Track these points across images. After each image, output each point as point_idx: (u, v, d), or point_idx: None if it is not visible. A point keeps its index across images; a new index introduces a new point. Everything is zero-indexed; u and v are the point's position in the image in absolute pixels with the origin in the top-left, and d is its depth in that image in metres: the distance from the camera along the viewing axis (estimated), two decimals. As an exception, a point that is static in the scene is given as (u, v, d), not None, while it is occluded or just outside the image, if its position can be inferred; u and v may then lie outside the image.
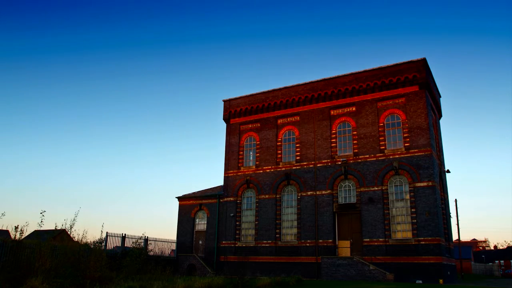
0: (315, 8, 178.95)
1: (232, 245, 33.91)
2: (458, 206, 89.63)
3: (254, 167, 35.03)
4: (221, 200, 35.83)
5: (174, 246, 37.07)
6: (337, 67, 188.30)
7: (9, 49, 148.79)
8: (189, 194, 38.66)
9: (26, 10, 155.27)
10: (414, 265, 26.30)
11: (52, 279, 15.69)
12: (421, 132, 28.54)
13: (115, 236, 28.95)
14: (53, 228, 20.05)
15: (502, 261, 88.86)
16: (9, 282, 15.18)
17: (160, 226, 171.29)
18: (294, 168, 32.91)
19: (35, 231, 31.68)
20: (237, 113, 37.17)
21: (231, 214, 34.65)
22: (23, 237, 18.42)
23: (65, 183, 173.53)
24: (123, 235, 29.62)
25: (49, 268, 16.49)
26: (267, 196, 33.51)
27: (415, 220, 27.16)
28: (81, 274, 17.13)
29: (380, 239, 27.90)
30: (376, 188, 29.04)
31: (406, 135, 29.17)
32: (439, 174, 30.36)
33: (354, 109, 31.80)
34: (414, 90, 29.57)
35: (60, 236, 24.07)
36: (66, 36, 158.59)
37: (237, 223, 34.37)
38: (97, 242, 21.84)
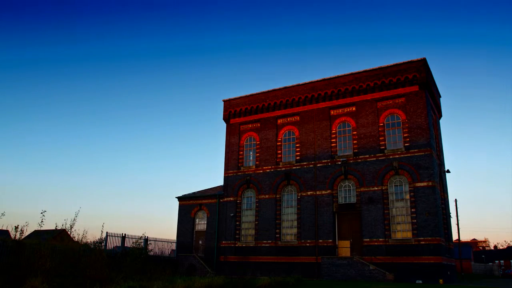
0: (315, 8, 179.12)
1: (232, 245, 33.91)
2: (458, 206, 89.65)
3: (254, 167, 35.03)
4: (221, 200, 35.83)
5: (174, 246, 37.08)
6: (337, 67, 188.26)
7: (10, 56, 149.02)
8: (189, 194, 38.67)
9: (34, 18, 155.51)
10: (414, 265, 26.31)
11: (52, 279, 15.69)
12: (421, 132, 28.54)
13: (115, 236, 28.93)
14: (53, 228, 20.10)
15: (502, 261, 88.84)
16: (9, 282, 15.18)
17: (160, 226, 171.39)
18: (294, 168, 32.91)
19: (35, 231, 31.71)
20: (237, 113, 37.18)
21: (231, 214, 34.65)
22: (23, 237, 18.46)
23: (65, 183, 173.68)
24: (123, 235, 29.61)
25: (49, 268, 16.50)
26: (267, 196, 33.51)
27: (415, 220, 27.16)
28: (81, 274, 17.15)
29: (380, 239, 27.91)
30: (376, 188, 29.04)
31: (406, 135, 29.18)
32: (439, 174, 30.36)
33: (354, 109, 31.80)
34: (414, 90, 29.57)
35: (60, 236, 24.10)
36: (69, 41, 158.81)
37: (237, 223, 34.37)
38: (97, 242, 21.87)
